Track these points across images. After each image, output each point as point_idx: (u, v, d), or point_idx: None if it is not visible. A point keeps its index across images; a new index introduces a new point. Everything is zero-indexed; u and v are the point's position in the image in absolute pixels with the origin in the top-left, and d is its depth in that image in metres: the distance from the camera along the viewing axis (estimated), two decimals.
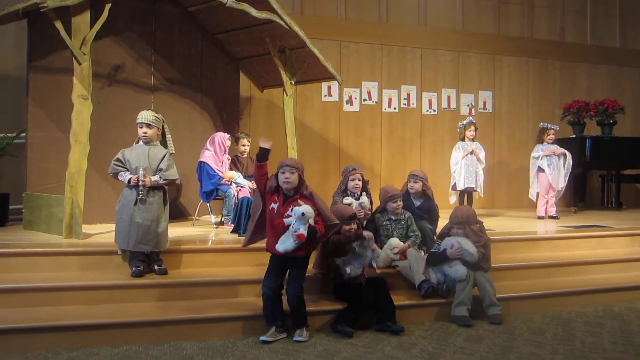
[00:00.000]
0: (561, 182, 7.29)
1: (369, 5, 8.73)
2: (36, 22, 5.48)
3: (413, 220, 4.79)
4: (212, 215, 6.02)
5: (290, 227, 3.58)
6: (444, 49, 9.09)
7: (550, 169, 7.22)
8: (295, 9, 8.23)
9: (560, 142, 7.75)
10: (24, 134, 5.82)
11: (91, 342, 3.50)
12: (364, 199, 4.92)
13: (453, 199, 7.06)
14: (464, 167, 6.93)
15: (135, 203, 4.12)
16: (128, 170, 4.20)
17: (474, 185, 6.92)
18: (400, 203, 4.75)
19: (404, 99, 8.86)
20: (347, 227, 4.15)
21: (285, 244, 3.58)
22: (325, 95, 8.48)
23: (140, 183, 4.10)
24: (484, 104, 9.32)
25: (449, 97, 9.11)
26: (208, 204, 6.02)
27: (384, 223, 4.72)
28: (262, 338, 3.62)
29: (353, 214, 4.18)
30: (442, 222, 4.71)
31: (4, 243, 4.64)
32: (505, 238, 5.45)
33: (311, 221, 3.60)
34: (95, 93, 5.15)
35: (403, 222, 4.74)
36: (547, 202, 7.33)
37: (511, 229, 6.22)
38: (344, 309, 3.90)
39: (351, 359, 3.36)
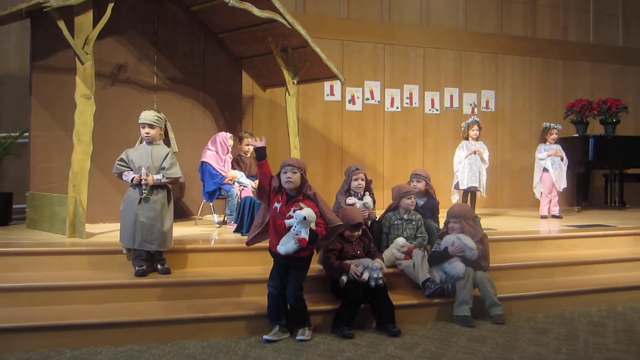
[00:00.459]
0: (563, 183, 7.28)
1: (371, 4, 8.73)
2: (39, 22, 5.48)
3: (423, 222, 4.78)
4: (215, 215, 6.02)
5: (292, 229, 3.57)
6: (447, 48, 9.08)
7: (553, 169, 7.21)
8: (297, 8, 8.23)
9: (563, 141, 7.73)
10: (27, 134, 5.83)
11: (94, 341, 3.51)
12: (367, 198, 4.91)
13: (455, 197, 7.04)
14: (467, 166, 6.92)
15: (140, 202, 4.13)
16: (132, 170, 4.20)
17: (477, 185, 6.91)
18: (414, 199, 4.76)
19: (407, 98, 8.85)
20: (355, 234, 4.16)
21: (286, 245, 3.57)
22: (328, 95, 8.48)
23: (142, 182, 4.11)
24: (487, 103, 9.31)
25: (451, 97, 9.10)
26: (211, 204, 6.02)
27: (395, 222, 4.71)
28: (265, 337, 3.63)
29: (358, 222, 4.16)
30: (442, 221, 4.71)
31: (8, 242, 4.64)
32: (508, 237, 5.44)
33: (313, 225, 3.58)
34: (98, 92, 5.15)
35: (414, 223, 4.73)
36: (550, 201, 7.31)
37: (514, 228, 6.21)
38: (339, 308, 3.90)
39: (354, 359, 3.36)
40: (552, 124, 7.41)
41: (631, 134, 9.18)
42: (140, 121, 4.26)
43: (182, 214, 6.52)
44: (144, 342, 3.57)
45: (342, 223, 3.87)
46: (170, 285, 4.07)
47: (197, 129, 6.64)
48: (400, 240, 4.58)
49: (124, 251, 4.26)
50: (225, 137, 6.02)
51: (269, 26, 6.16)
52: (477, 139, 7.06)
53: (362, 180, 4.92)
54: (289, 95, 6.55)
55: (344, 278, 3.98)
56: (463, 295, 4.12)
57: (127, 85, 6.09)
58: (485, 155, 7.01)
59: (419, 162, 8.79)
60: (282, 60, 6.45)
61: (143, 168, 4.14)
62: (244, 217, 5.26)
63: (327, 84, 8.36)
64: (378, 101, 8.72)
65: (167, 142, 4.43)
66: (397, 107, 8.81)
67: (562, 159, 7.30)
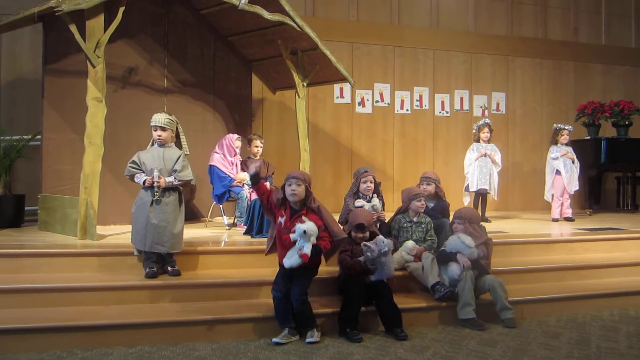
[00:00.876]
0: (575, 185, 7.23)
1: (380, 7, 8.72)
2: (51, 26, 5.54)
3: (432, 225, 4.77)
4: (224, 217, 6.04)
5: (296, 243, 3.60)
6: (457, 50, 9.05)
7: (565, 171, 7.15)
8: (307, 10, 8.24)
9: (574, 143, 7.67)
10: (39, 136, 5.88)
11: (105, 342, 3.53)
12: (376, 201, 4.91)
13: (467, 200, 7.02)
14: (477, 168, 6.90)
15: (151, 204, 4.15)
16: (144, 172, 4.22)
17: (487, 187, 6.88)
18: (424, 202, 4.75)
19: (417, 100, 8.83)
20: (359, 235, 4.15)
21: (290, 259, 3.59)
22: (338, 97, 8.48)
23: (155, 184, 4.13)
24: (497, 105, 9.26)
25: (461, 99, 9.07)
26: (221, 206, 6.04)
27: (405, 225, 4.70)
28: (274, 339, 3.63)
29: (360, 223, 4.13)
30: None
31: (20, 244, 4.69)
32: (519, 240, 5.40)
33: (313, 239, 3.57)
34: (109, 95, 5.19)
35: (423, 226, 4.72)
36: (562, 204, 7.25)
37: (525, 231, 6.16)
38: (341, 310, 3.88)
39: None
40: (563, 125, 7.36)
41: None
42: (152, 124, 4.28)
43: (193, 216, 6.55)
44: (155, 343, 3.58)
45: (346, 236, 3.88)
46: (181, 287, 4.09)
47: (208, 131, 6.67)
48: (410, 244, 4.57)
49: (135, 253, 4.29)
50: (231, 139, 6.03)
51: (278, 29, 6.18)
52: (488, 142, 7.04)
53: (371, 182, 4.92)
54: (299, 97, 6.56)
55: (369, 253, 3.92)
56: (464, 298, 4.09)
57: (138, 88, 6.12)
58: (497, 157, 6.98)
59: (429, 164, 8.76)
60: (292, 63, 6.46)
61: (155, 170, 4.16)
62: (254, 219, 5.27)
63: (336, 87, 8.36)
64: (388, 103, 8.70)
65: (178, 145, 4.45)
66: (407, 110, 8.79)
67: (573, 162, 7.25)
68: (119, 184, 5.63)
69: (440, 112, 8.96)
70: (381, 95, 8.66)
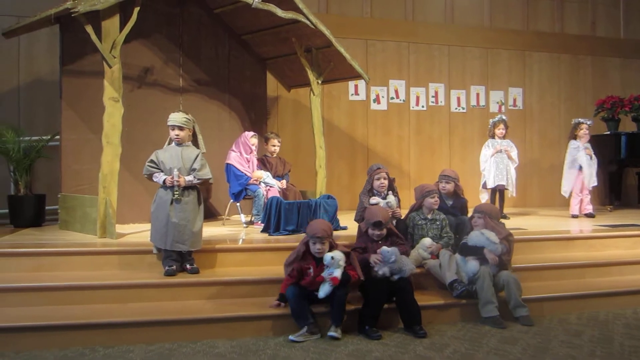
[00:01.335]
0: (593, 180, 7.14)
1: (394, 3, 8.67)
2: (68, 27, 5.59)
3: (447, 222, 4.73)
4: (242, 215, 6.06)
5: (326, 273, 3.74)
6: (472, 46, 8.97)
7: (586, 166, 7.06)
8: (320, 8, 8.22)
9: (594, 138, 7.57)
10: (58, 137, 5.95)
11: (126, 339, 3.56)
12: (391, 197, 4.88)
13: (484, 197, 6.96)
14: (494, 164, 6.84)
15: (171, 203, 4.17)
16: (162, 171, 4.25)
17: (504, 183, 6.81)
18: (438, 199, 4.72)
19: (432, 96, 8.78)
20: (376, 232, 4.14)
21: (324, 289, 3.71)
22: (352, 94, 8.46)
23: (175, 183, 4.15)
24: (514, 100, 9.18)
25: (477, 95, 8.99)
26: (238, 204, 6.06)
27: (419, 222, 4.68)
28: (290, 337, 3.63)
29: (378, 221, 4.13)
30: None
31: (41, 243, 4.75)
32: (538, 237, 5.36)
33: (342, 264, 3.76)
34: (126, 95, 5.22)
35: (438, 223, 4.69)
36: (582, 200, 7.17)
37: (544, 228, 6.10)
38: (362, 308, 3.87)
39: (383, 359, 3.34)
40: (581, 120, 7.27)
41: None
42: (169, 123, 4.30)
43: (210, 214, 6.58)
44: (175, 340, 3.60)
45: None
46: (199, 284, 4.11)
47: (223, 130, 6.69)
48: (427, 241, 4.55)
49: (154, 251, 4.32)
50: (246, 137, 6.05)
51: (292, 27, 6.17)
52: (503, 138, 6.97)
53: (385, 179, 4.89)
54: (314, 95, 6.55)
55: (379, 270, 3.93)
56: (484, 296, 4.05)
57: (154, 88, 6.16)
58: (514, 153, 6.91)
59: (446, 161, 8.71)
60: (306, 61, 6.46)
61: (175, 170, 4.18)
62: (271, 217, 5.29)
63: (351, 84, 8.34)
64: (403, 100, 8.66)
65: (195, 144, 4.47)
66: (423, 106, 8.74)
67: (591, 157, 7.16)
68: (137, 183, 5.67)
69: (456, 108, 8.90)
70: (396, 91, 8.62)
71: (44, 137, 6.19)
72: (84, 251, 4.39)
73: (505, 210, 7.16)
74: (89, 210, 5.17)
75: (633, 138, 8.09)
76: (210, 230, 5.42)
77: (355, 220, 4.92)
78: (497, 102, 9.07)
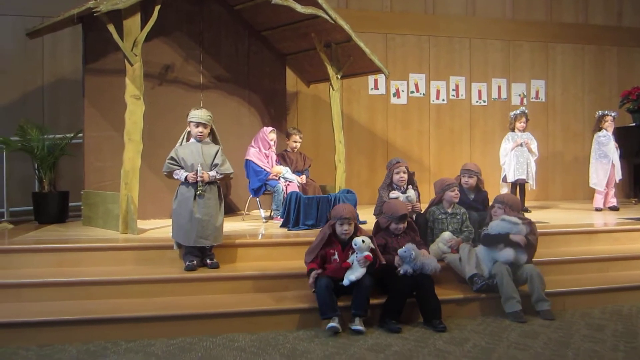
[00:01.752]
0: (618, 174, 7.01)
1: None
2: (90, 26, 5.67)
3: (468, 216, 4.70)
4: (261, 210, 6.09)
5: (354, 258, 3.78)
6: (494, 38, 8.86)
7: (616, 158, 6.94)
8: (340, 3, 8.20)
9: (618, 130, 7.43)
10: (81, 134, 6.05)
11: (147, 333, 3.61)
12: (411, 192, 4.87)
13: (504, 191, 6.88)
14: (514, 158, 6.76)
15: (194, 199, 4.21)
16: (182, 168, 4.29)
17: (525, 177, 6.73)
18: (458, 192, 4.69)
19: (453, 90, 8.70)
20: (399, 226, 4.14)
21: (355, 273, 3.75)
22: (372, 89, 8.43)
23: (199, 179, 4.19)
24: (537, 93, 9.04)
25: (499, 87, 8.88)
26: (257, 199, 6.09)
27: (439, 216, 4.65)
28: (330, 325, 3.60)
29: (403, 215, 4.14)
30: None
31: (65, 238, 4.85)
32: (561, 231, 5.29)
33: (370, 245, 3.83)
34: (147, 93, 5.28)
35: (459, 217, 4.66)
36: (607, 193, 7.04)
37: (567, 221, 6.01)
38: (386, 302, 3.87)
39: (402, 353, 3.34)
40: (606, 112, 7.13)
41: None
42: (194, 120, 4.33)
43: (230, 209, 6.63)
44: (195, 335, 3.65)
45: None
46: (220, 279, 4.15)
47: (243, 126, 6.73)
48: (447, 235, 4.52)
49: (175, 247, 4.36)
50: (265, 133, 6.07)
51: (312, 22, 6.17)
52: (523, 131, 6.88)
53: (404, 173, 4.87)
54: (333, 90, 6.54)
55: (401, 270, 3.94)
56: (505, 291, 4.01)
57: (175, 85, 6.23)
58: (534, 146, 6.83)
59: (467, 155, 8.63)
60: (326, 56, 6.45)
61: (199, 166, 4.22)
62: (290, 212, 5.31)
63: (371, 78, 8.31)
64: (423, 94, 8.60)
65: (214, 140, 4.50)
66: (443, 100, 8.67)
67: (616, 149, 7.03)
68: (158, 179, 5.73)
69: (477, 102, 8.81)
70: (416, 85, 8.56)
71: (68, 135, 6.30)
72: (107, 247, 4.47)
73: (527, 204, 7.07)
74: (111, 207, 5.25)
75: None
76: (230, 226, 5.46)
77: (374, 214, 4.92)
78: (519, 95, 8.94)
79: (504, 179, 6.88)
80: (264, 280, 4.19)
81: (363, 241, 3.81)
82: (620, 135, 7.25)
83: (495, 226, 4.23)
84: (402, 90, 8.51)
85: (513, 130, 6.92)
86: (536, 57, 9.05)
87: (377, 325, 3.82)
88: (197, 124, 4.33)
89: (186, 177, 4.23)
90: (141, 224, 5.29)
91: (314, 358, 3.25)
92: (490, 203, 4.67)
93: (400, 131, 8.52)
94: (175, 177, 4.31)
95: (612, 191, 7.05)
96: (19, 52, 6.88)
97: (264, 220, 5.93)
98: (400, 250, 3.97)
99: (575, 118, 9.17)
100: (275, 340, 3.58)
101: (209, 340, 3.57)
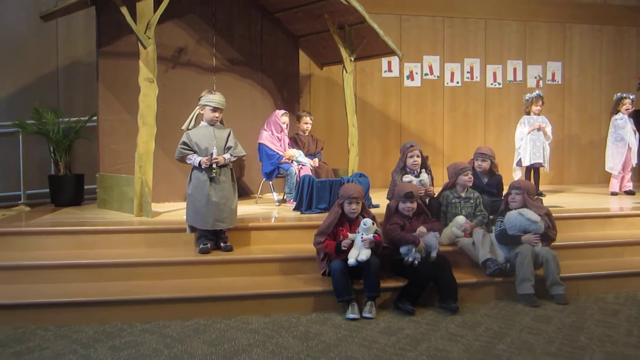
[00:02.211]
0: (635, 158, 6.92)
1: None
2: (103, 9, 5.67)
3: (481, 200, 4.67)
4: (274, 193, 6.11)
5: (358, 237, 3.82)
6: (510, 19, 8.71)
7: (634, 142, 6.84)
8: None
9: (636, 113, 7.30)
10: (95, 118, 6.08)
11: (162, 315, 3.67)
12: (424, 175, 4.84)
13: (518, 174, 6.82)
14: (530, 142, 6.68)
15: (210, 183, 4.23)
16: (196, 153, 4.30)
17: (541, 161, 6.66)
18: (472, 176, 4.66)
19: (467, 72, 8.59)
20: (407, 206, 4.13)
21: (363, 252, 3.78)
22: (386, 71, 8.36)
23: (214, 162, 4.21)
24: (553, 75, 8.90)
25: (514, 69, 8.76)
26: (270, 182, 6.11)
27: (453, 200, 4.63)
28: (349, 315, 3.64)
29: (409, 192, 4.13)
30: None
31: (81, 221, 4.90)
32: (575, 215, 5.24)
33: (375, 227, 3.92)
34: (160, 75, 5.29)
35: (472, 201, 4.64)
36: (624, 177, 6.96)
37: (582, 205, 5.95)
38: (405, 286, 3.89)
39: (414, 336, 3.35)
40: (624, 94, 7.01)
41: None
42: (211, 104, 4.32)
43: (243, 192, 6.65)
44: (209, 317, 3.70)
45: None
46: (233, 262, 4.19)
47: (256, 108, 6.72)
48: (461, 219, 4.51)
49: (188, 231, 4.39)
50: (277, 116, 6.06)
51: (325, 3, 6.10)
52: (539, 114, 6.80)
53: (418, 157, 4.85)
54: (346, 72, 6.50)
55: (414, 260, 3.96)
56: (523, 273, 4.01)
57: (188, 68, 6.23)
58: (548, 129, 6.75)
59: (481, 138, 8.55)
60: (339, 38, 6.39)
61: (215, 149, 4.24)
62: (303, 195, 5.32)
63: (384, 60, 8.24)
64: (437, 76, 8.51)
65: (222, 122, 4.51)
66: (458, 82, 8.58)
67: (635, 133, 6.92)
68: (171, 162, 5.74)
69: (492, 84, 8.70)
70: (430, 68, 8.47)
71: (82, 118, 6.33)
72: (122, 229, 4.52)
73: (541, 188, 7.01)
74: (125, 190, 5.30)
75: None
76: (244, 209, 5.48)
77: (387, 198, 4.91)
78: (535, 77, 8.82)
79: (519, 163, 6.81)
80: (277, 263, 4.22)
81: (373, 223, 3.87)
82: (638, 118, 7.13)
83: (512, 220, 4.19)
84: (416, 73, 8.43)
85: (528, 113, 6.83)
86: (553, 38, 8.90)
87: (391, 308, 3.84)
88: (215, 109, 4.33)
89: (200, 161, 4.24)
90: (155, 206, 5.34)
91: (326, 340, 3.28)
92: (504, 187, 4.63)
93: (414, 114, 8.45)
94: (189, 162, 4.33)
95: (629, 175, 6.96)
96: (33, 35, 6.89)
97: (277, 204, 5.95)
98: (402, 249, 4.03)
99: (592, 101, 9.03)
100: (289, 322, 3.61)
101: (222, 322, 3.62)
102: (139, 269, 4.06)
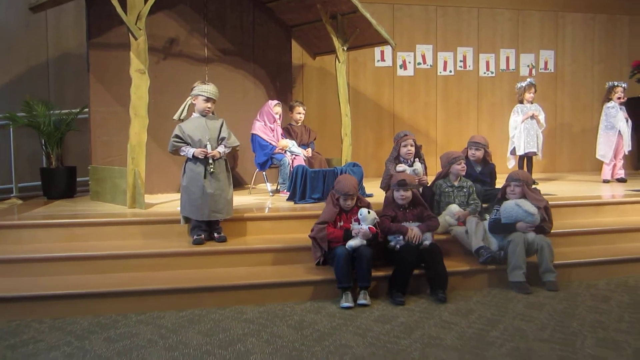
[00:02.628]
0: (627, 145, 6.95)
1: None
2: (93, 0, 5.62)
3: (474, 189, 4.69)
4: (268, 184, 6.11)
5: (358, 227, 3.90)
6: (503, 7, 8.71)
7: (625, 129, 6.86)
8: None
9: (629, 101, 7.33)
10: (87, 109, 6.04)
11: (157, 306, 3.67)
12: (417, 165, 4.85)
13: (511, 163, 6.85)
14: (524, 131, 6.69)
15: (205, 176, 4.22)
16: (189, 145, 4.28)
17: (535, 150, 6.68)
18: (465, 165, 4.67)
19: (460, 61, 8.60)
20: (401, 194, 4.14)
21: (355, 240, 3.86)
22: (379, 61, 8.35)
23: (209, 155, 4.20)
24: (545, 64, 8.92)
25: (507, 58, 8.77)
26: (264, 173, 6.11)
27: (446, 190, 4.65)
28: (344, 304, 3.66)
29: (402, 180, 4.15)
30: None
31: (74, 213, 4.88)
32: (568, 203, 5.28)
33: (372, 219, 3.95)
34: (152, 67, 5.25)
35: (465, 190, 4.65)
36: (615, 165, 6.99)
37: (574, 193, 5.99)
38: (392, 275, 3.90)
39: (408, 324, 3.37)
40: (616, 82, 7.03)
41: None
42: (205, 94, 4.31)
43: (236, 183, 6.62)
44: (204, 307, 3.70)
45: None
46: (227, 252, 4.19)
47: (249, 99, 6.70)
48: (454, 208, 4.53)
49: (182, 222, 4.39)
50: (270, 106, 6.04)
51: None
52: (532, 102, 6.81)
53: (411, 146, 4.85)
54: (339, 62, 6.48)
55: (396, 244, 3.99)
56: (515, 260, 4.03)
57: (180, 59, 6.19)
58: (542, 117, 6.76)
59: (474, 127, 8.58)
60: (332, 27, 6.37)
61: (208, 143, 4.23)
62: (297, 185, 5.32)
63: (377, 50, 8.22)
64: (430, 65, 8.51)
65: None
66: (451, 71, 8.58)
67: (627, 121, 6.95)
68: (165, 154, 5.71)
69: (485, 73, 8.71)
70: (423, 57, 8.47)
71: (74, 110, 6.29)
72: (115, 221, 4.51)
73: (534, 176, 7.00)
74: (118, 182, 5.28)
75: None
76: (237, 200, 5.46)
77: (381, 187, 4.92)
78: (528, 66, 8.83)
79: (513, 152, 6.83)
80: (271, 254, 4.23)
81: (369, 212, 3.90)
82: (631, 106, 7.15)
83: (508, 211, 4.19)
84: (409, 62, 8.42)
85: (522, 102, 6.84)
86: (545, 27, 8.91)
87: (385, 297, 3.86)
88: (208, 99, 4.31)
89: (193, 153, 4.23)
90: (148, 198, 5.33)
91: (321, 329, 3.30)
92: (498, 176, 4.64)
93: (407, 103, 8.46)
94: (182, 154, 4.31)
95: (620, 163, 6.99)
96: (22, 26, 6.82)
97: (271, 194, 5.95)
98: (390, 237, 4.10)
99: (585, 89, 9.06)
100: (283, 312, 3.62)
101: (217, 312, 3.63)
102: (132, 261, 4.05)
